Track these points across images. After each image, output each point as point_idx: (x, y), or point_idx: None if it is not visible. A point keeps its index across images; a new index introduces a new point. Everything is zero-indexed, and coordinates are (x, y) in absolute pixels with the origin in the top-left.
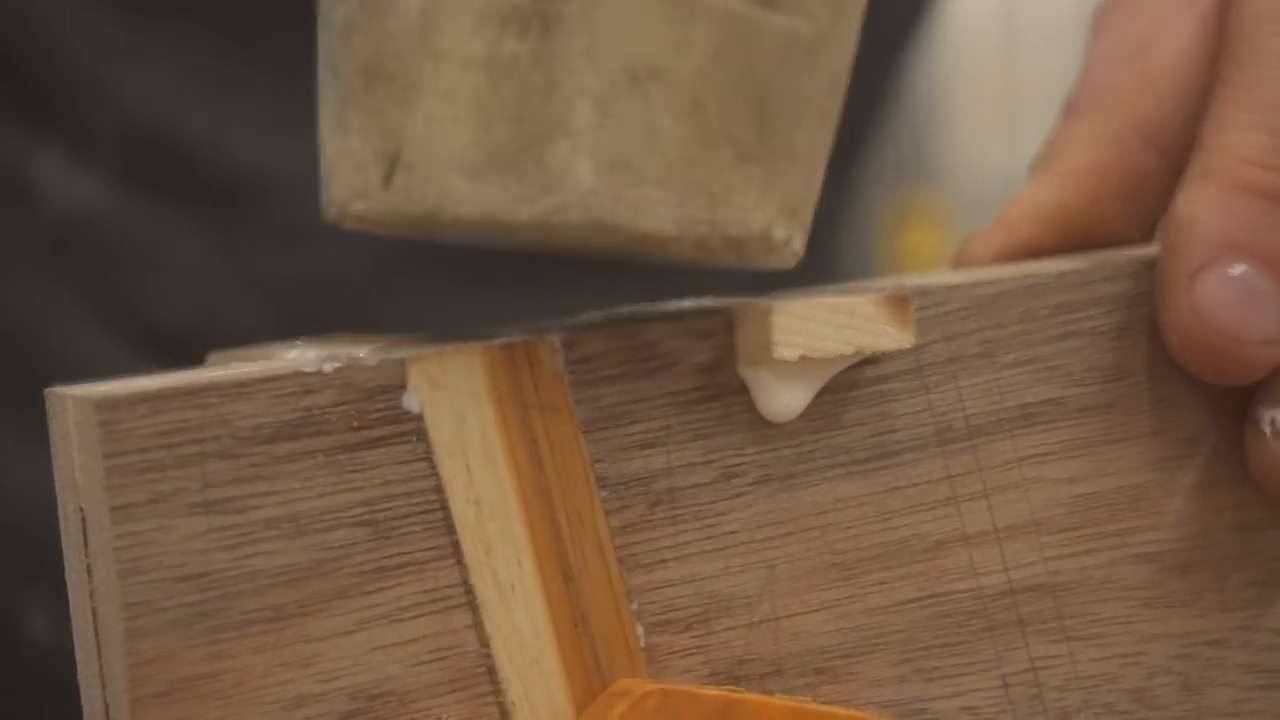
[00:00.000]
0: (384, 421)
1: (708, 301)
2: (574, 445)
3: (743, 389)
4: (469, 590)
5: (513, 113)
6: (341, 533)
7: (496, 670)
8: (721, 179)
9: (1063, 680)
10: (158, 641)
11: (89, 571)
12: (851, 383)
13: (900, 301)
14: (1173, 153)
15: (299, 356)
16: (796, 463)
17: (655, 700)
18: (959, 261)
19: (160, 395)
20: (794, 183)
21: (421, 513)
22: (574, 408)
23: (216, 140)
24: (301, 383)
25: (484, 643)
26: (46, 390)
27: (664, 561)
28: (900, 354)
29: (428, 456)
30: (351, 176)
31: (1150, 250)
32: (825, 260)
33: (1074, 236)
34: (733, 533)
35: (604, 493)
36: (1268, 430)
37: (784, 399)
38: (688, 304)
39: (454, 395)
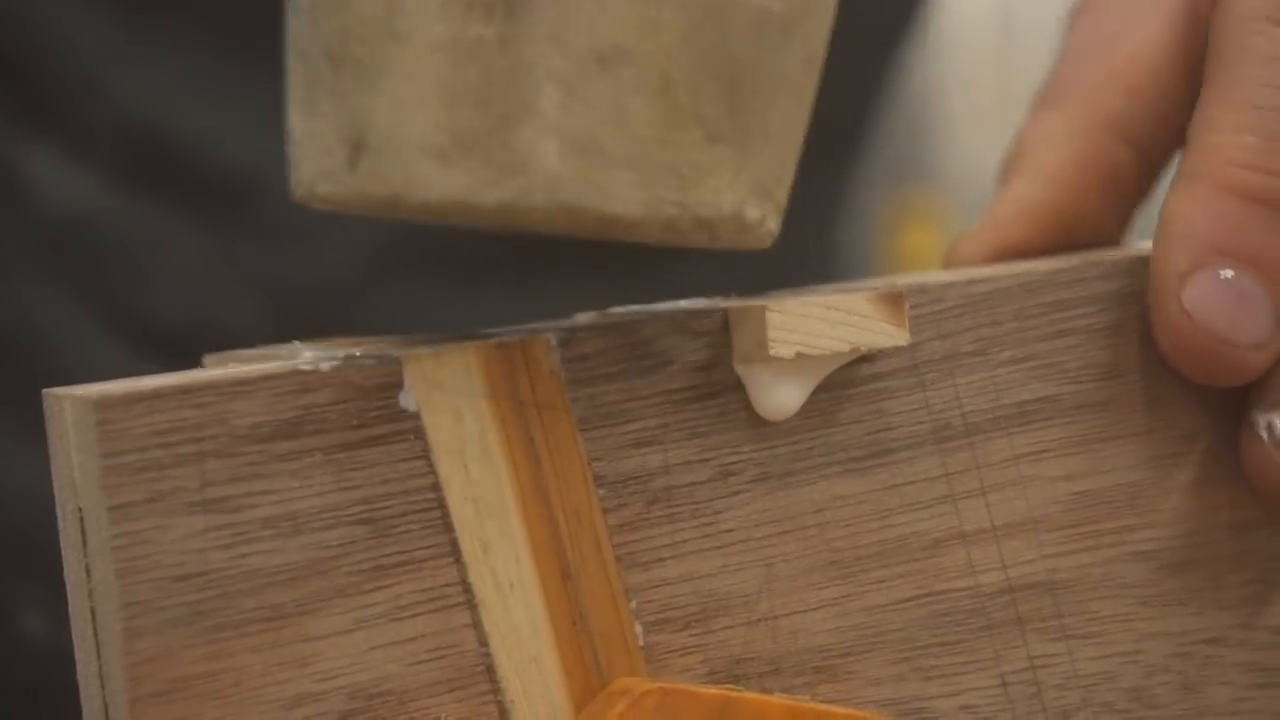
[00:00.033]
0: (382, 420)
1: (704, 301)
2: (571, 444)
3: (739, 387)
4: (467, 589)
5: (478, 96)
6: (340, 531)
7: (495, 669)
8: (691, 160)
9: (1061, 679)
10: (156, 641)
11: (87, 571)
12: (848, 380)
13: (895, 299)
14: (1143, 146)
15: (297, 356)
16: (793, 461)
17: (654, 699)
18: (949, 262)
19: (157, 395)
20: (768, 162)
21: (419, 511)
22: (571, 406)
23: (213, 139)
24: (299, 381)
25: (482, 641)
26: (44, 390)
27: (662, 560)
28: (896, 352)
29: (425, 455)
30: (318, 159)
31: (1144, 248)
32: (823, 260)
33: (1062, 233)
34: (730, 531)
35: (601, 491)
36: (1264, 434)
37: (780, 397)
38: (684, 303)
39: (451, 394)
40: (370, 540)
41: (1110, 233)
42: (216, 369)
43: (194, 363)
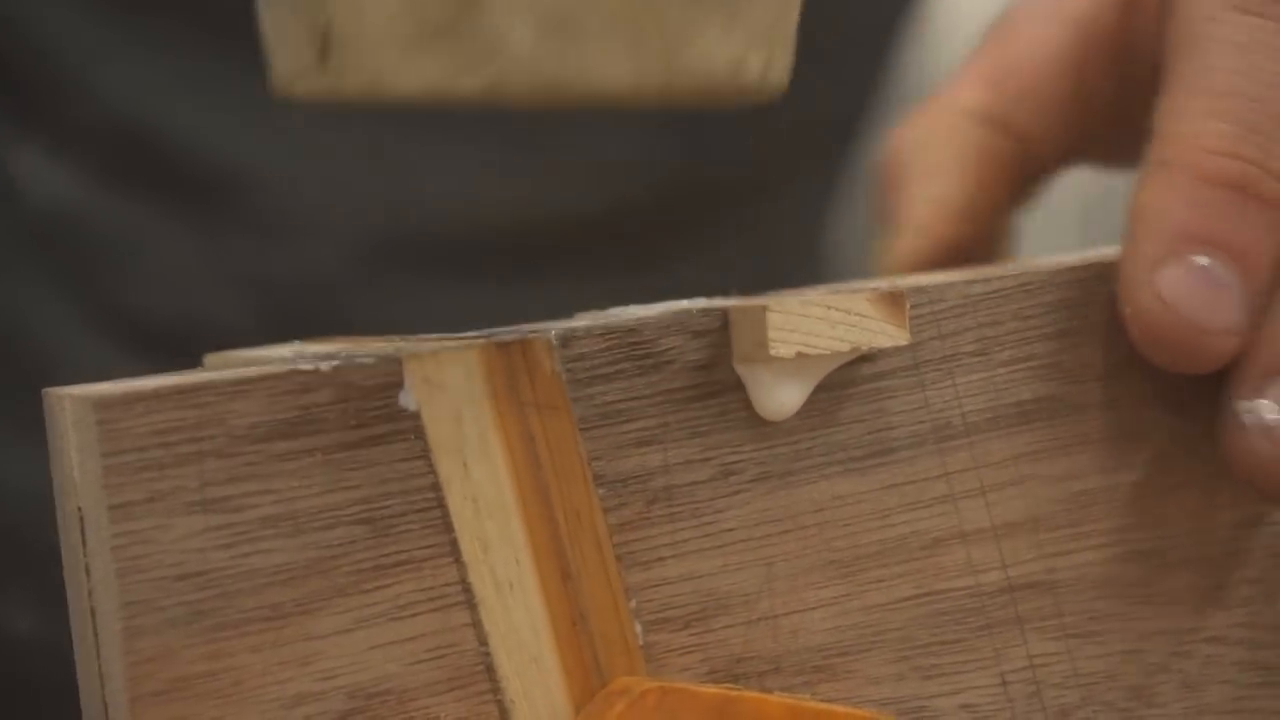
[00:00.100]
0: (381, 420)
1: (703, 301)
2: (571, 443)
3: (740, 387)
4: (467, 588)
5: None
6: (339, 531)
7: (495, 668)
8: (674, 20)
9: (1061, 678)
10: (156, 640)
11: (87, 571)
12: (848, 380)
13: (895, 299)
14: (1024, 139)
15: (296, 356)
16: (794, 460)
17: (654, 698)
18: (880, 273)
19: (157, 395)
20: (764, 7)
21: (419, 511)
22: (571, 406)
23: (198, 136)
24: (299, 381)
25: (482, 641)
26: (44, 390)
27: (662, 559)
28: (896, 351)
29: (425, 455)
30: (289, 58)
31: None
32: (822, 259)
33: (981, 225)
34: (730, 530)
35: (602, 490)
36: (1246, 420)
37: (780, 397)
38: (684, 303)
39: (451, 394)
40: (370, 540)
41: (1012, 224)
42: (216, 369)
43: (182, 359)
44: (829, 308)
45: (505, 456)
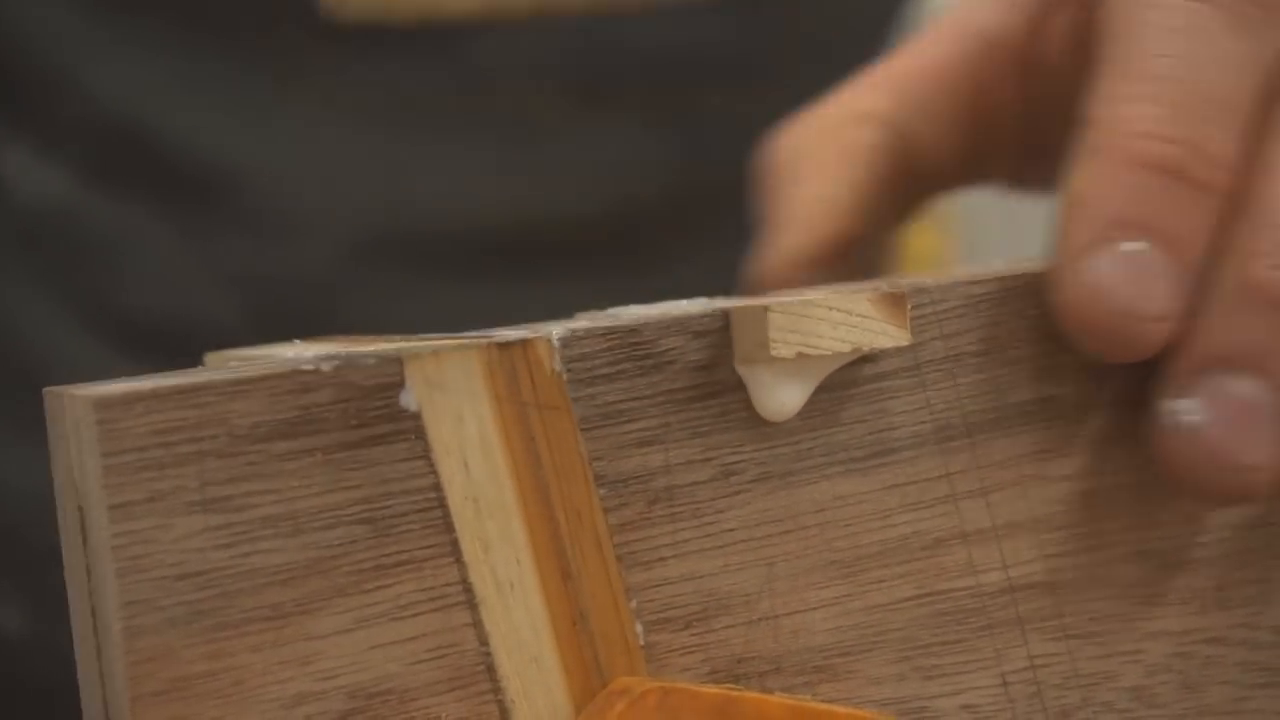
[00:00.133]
0: (382, 420)
1: (704, 301)
2: (572, 443)
3: (740, 387)
4: (468, 588)
5: None
6: (340, 531)
7: (495, 668)
8: None
9: (1062, 678)
10: (156, 640)
11: (88, 570)
12: (850, 380)
13: (897, 299)
14: (910, 143)
15: (296, 355)
16: (795, 460)
17: (654, 698)
18: (767, 279)
19: (157, 394)
20: None
21: (420, 511)
22: (572, 406)
23: (190, 134)
24: (299, 381)
25: (483, 641)
26: (45, 390)
27: (663, 559)
28: (898, 352)
29: (426, 455)
30: None
31: None
32: None
33: (866, 224)
34: (731, 530)
35: (602, 490)
36: (1170, 421)
37: (781, 397)
38: (684, 303)
39: (452, 394)
40: (370, 540)
41: (898, 224)
42: (216, 369)
43: (175, 359)
44: (830, 308)
45: (506, 456)
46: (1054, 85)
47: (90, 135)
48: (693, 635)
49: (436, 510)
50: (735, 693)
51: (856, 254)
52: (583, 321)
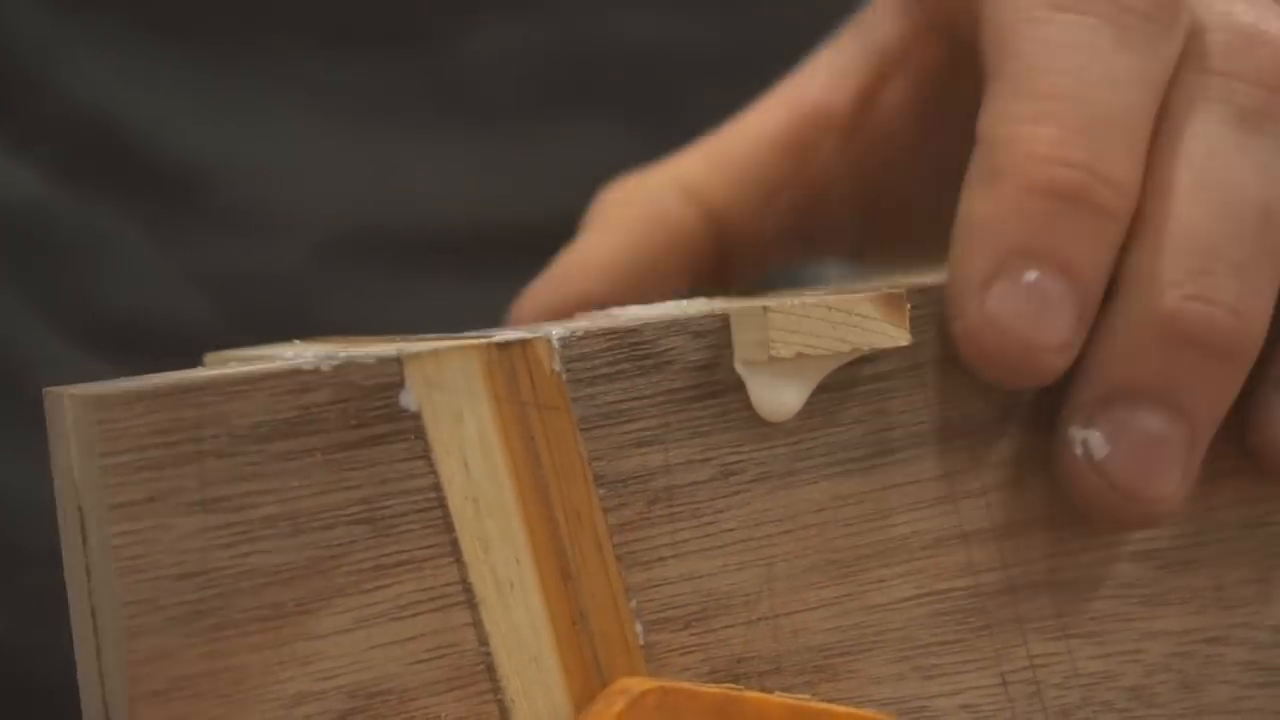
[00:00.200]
0: (381, 419)
1: (704, 301)
2: (571, 443)
3: (740, 387)
4: (467, 588)
5: None
6: (339, 531)
7: (495, 668)
8: None
9: (1061, 678)
10: (156, 640)
11: (87, 571)
12: (849, 381)
13: (896, 299)
14: (716, 215)
15: (296, 355)
16: (795, 460)
17: (654, 698)
18: (515, 318)
19: (157, 394)
20: None
21: (420, 510)
22: (571, 406)
23: (160, 132)
24: (299, 381)
25: (483, 640)
26: (44, 390)
27: (662, 559)
28: (897, 352)
29: (425, 455)
30: None
31: None
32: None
33: (626, 287)
34: (731, 530)
35: (602, 490)
36: (1079, 452)
37: (781, 397)
38: (684, 303)
39: (451, 394)
40: (370, 540)
41: (678, 287)
42: (216, 368)
43: (149, 358)
44: (830, 308)
45: (505, 456)
46: (889, 154)
47: (62, 134)
48: (692, 635)
49: (436, 510)
50: (735, 692)
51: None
52: (582, 321)
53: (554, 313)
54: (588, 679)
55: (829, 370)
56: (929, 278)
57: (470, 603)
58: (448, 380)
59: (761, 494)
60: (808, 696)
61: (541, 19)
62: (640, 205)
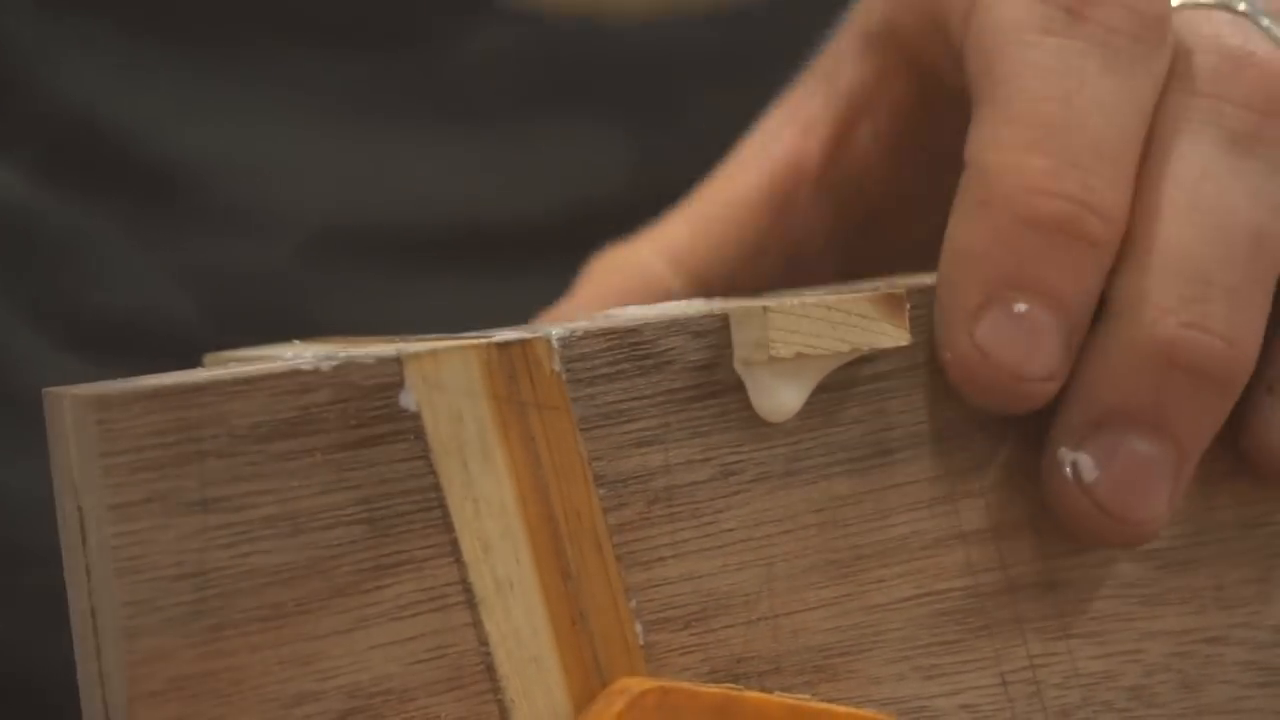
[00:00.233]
0: (381, 420)
1: (704, 301)
2: (571, 443)
3: (740, 387)
4: (467, 588)
5: None
6: (339, 531)
7: (495, 668)
8: None
9: (1061, 678)
10: (156, 640)
11: (87, 571)
12: (849, 381)
13: (896, 299)
14: (698, 278)
15: (296, 356)
16: (794, 460)
17: (654, 698)
18: None
19: (157, 394)
20: None
21: (419, 511)
22: (571, 406)
23: (144, 131)
24: (299, 381)
25: (482, 640)
26: (44, 390)
27: (662, 559)
28: (897, 352)
29: (425, 455)
30: None
31: None
32: None
33: None
34: (731, 530)
35: (602, 490)
36: (1069, 473)
37: (780, 397)
38: (684, 303)
39: (451, 394)
40: (370, 540)
41: None
42: (216, 369)
43: (134, 357)
44: (830, 308)
45: (505, 456)
46: (864, 195)
47: (45, 133)
48: (692, 635)
49: (436, 510)
50: (735, 692)
51: None
52: (582, 322)
53: None
54: (588, 679)
55: (828, 370)
56: (928, 278)
57: (470, 603)
58: (447, 380)
59: (761, 494)
60: (807, 696)
61: (530, 21)
62: (628, 272)
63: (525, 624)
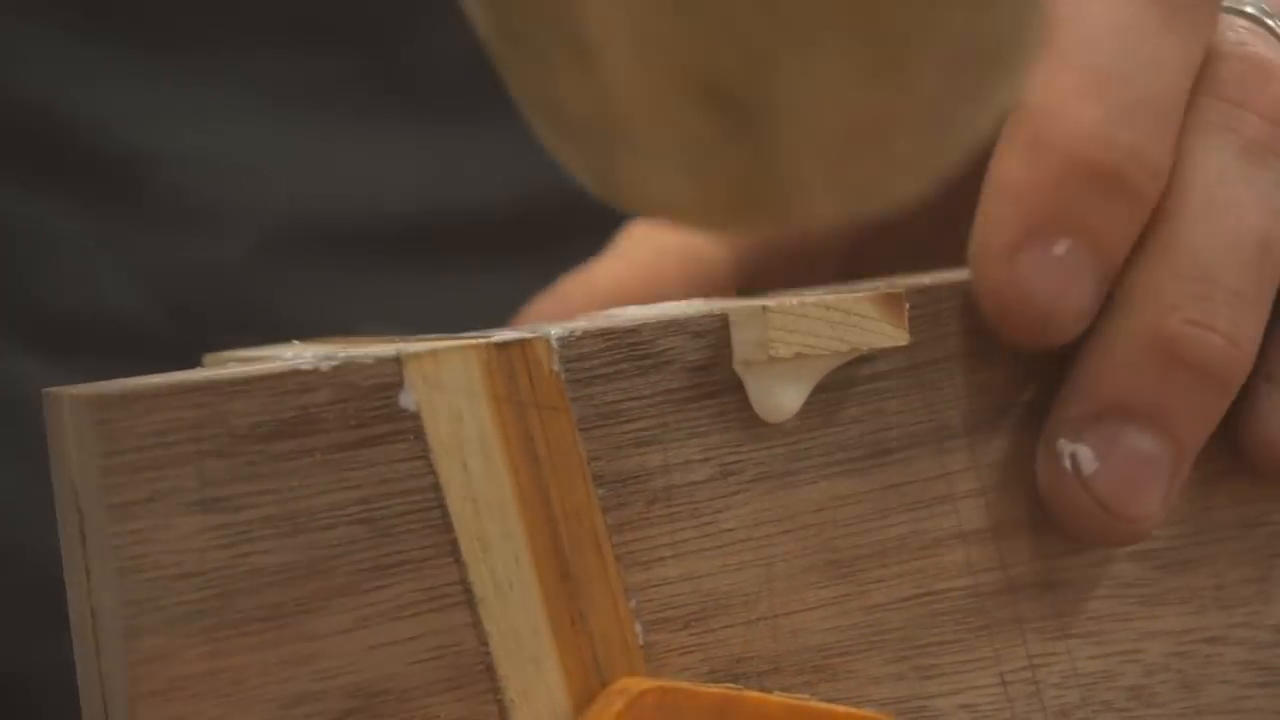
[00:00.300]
0: (381, 420)
1: (703, 301)
2: (571, 443)
3: (739, 387)
4: (467, 588)
5: None
6: (339, 531)
7: (495, 668)
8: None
9: (1060, 678)
10: (156, 640)
11: (87, 571)
12: (848, 381)
13: (895, 299)
14: (746, 257)
15: (295, 355)
16: (793, 460)
17: (653, 698)
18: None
19: (157, 394)
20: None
21: (419, 511)
22: (570, 406)
23: (99, 123)
24: (298, 381)
25: (482, 640)
26: (44, 390)
27: (662, 559)
28: (896, 352)
29: (425, 455)
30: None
31: None
32: None
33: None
34: (730, 530)
35: (601, 490)
36: (1067, 465)
37: (779, 397)
38: (684, 303)
39: (451, 394)
40: (370, 540)
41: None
42: (215, 368)
43: (89, 355)
44: (828, 308)
45: (505, 456)
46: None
47: (2, 127)
48: (692, 635)
49: (435, 510)
50: (734, 692)
51: None
52: (581, 321)
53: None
54: (587, 679)
55: (828, 370)
56: (928, 278)
57: (470, 603)
58: (447, 380)
59: (760, 494)
60: (807, 696)
61: None
62: (669, 237)
63: (525, 624)
